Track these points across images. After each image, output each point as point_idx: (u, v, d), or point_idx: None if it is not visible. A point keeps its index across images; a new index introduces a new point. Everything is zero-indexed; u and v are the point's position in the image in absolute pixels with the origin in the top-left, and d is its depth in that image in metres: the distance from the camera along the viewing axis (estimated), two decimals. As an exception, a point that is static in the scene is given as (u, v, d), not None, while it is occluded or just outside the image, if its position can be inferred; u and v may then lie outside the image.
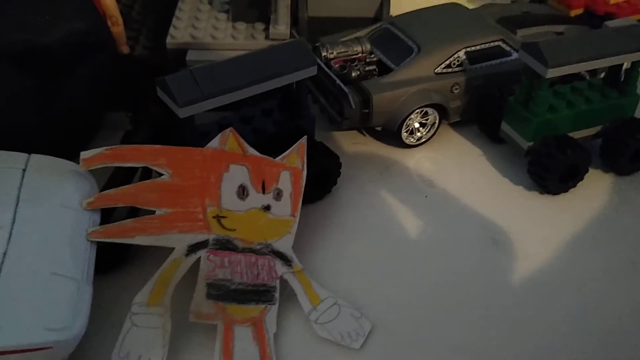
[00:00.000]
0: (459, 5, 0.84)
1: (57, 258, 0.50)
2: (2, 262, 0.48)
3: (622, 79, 0.73)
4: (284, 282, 0.58)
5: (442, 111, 0.76)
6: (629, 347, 0.56)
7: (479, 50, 0.77)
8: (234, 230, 0.58)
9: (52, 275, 0.49)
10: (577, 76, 0.77)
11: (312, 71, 0.64)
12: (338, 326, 0.56)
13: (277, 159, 0.62)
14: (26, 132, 0.61)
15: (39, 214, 0.52)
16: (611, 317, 0.59)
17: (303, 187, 0.62)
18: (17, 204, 0.52)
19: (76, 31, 0.62)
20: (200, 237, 0.56)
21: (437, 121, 0.76)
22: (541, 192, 0.72)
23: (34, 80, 0.60)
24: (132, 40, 0.87)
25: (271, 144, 0.63)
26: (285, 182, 0.61)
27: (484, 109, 0.77)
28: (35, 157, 0.57)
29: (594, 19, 0.90)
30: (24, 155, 0.56)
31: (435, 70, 0.75)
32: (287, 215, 0.61)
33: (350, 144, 0.78)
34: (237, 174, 0.59)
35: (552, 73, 0.66)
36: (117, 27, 0.72)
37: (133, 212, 0.58)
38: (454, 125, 0.80)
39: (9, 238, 0.50)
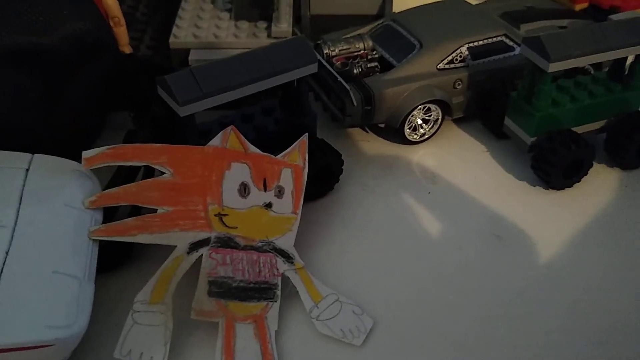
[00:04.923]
0: (462, 0, 0.84)
1: (59, 257, 0.50)
2: (5, 260, 0.49)
3: (626, 73, 0.72)
4: (285, 280, 0.58)
5: (445, 107, 0.76)
6: (634, 344, 0.56)
7: (482, 45, 0.76)
8: (236, 228, 0.58)
9: (54, 273, 0.49)
10: (581, 70, 0.77)
11: (313, 68, 0.64)
12: (340, 323, 0.56)
13: (279, 156, 0.62)
14: (29, 132, 0.61)
15: (42, 213, 0.53)
16: (616, 314, 0.58)
17: (304, 185, 0.63)
18: (19, 203, 0.53)
19: (78, 32, 0.63)
20: (202, 235, 0.56)
21: (440, 117, 0.76)
22: (545, 188, 0.71)
23: (36, 81, 0.61)
24: (136, 41, 0.88)
25: (272, 142, 0.63)
26: (286, 179, 0.61)
27: (487, 105, 0.76)
28: (38, 157, 0.57)
29: (598, 13, 0.90)
30: (27, 155, 0.57)
31: (438, 66, 0.75)
32: (288, 213, 0.61)
33: (353, 141, 0.78)
34: (238, 172, 0.59)
35: (554, 67, 0.65)
36: (119, 28, 0.72)
37: (135, 210, 0.59)
38: (457, 121, 0.80)
39: (12, 237, 0.50)
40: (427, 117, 0.76)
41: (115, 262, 0.60)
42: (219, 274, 0.55)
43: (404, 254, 0.64)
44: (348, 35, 0.79)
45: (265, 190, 0.60)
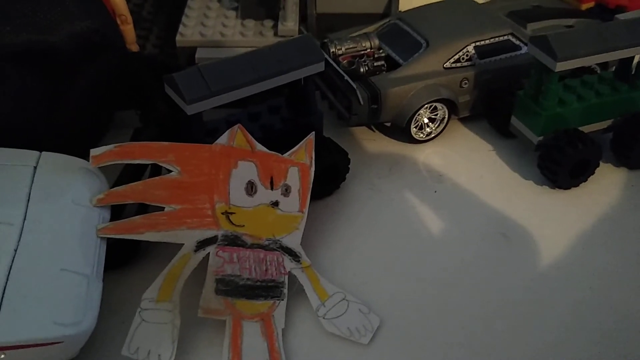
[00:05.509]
0: (469, -1, 0.84)
1: (67, 254, 0.51)
2: (13, 258, 0.49)
3: (633, 73, 0.72)
4: (292, 278, 0.58)
5: (452, 106, 0.76)
6: (638, 344, 0.56)
7: (488, 44, 0.76)
8: (243, 226, 0.58)
9: (62, 271, 0.49)
10: (588, 70, 0.77)
11: (320, 67, 0.64)
12: (346, 321, 0.56)
13: (285, 155, 0.62)
14: (35, 130, 0.61)
15: (50, 211, 0.53)
16: (621, 313, 0.58)
17: (311, 183, 0.63)
18: (28, 201, 0.53)
19: (85, 30, 0.63)
20: (209, 233, 0.57)
21: (446, 116, 0.76)
22: (551, 187, 0.71)
23: (43, 79, 0.61)
24: (142, 39, 0.88)
25: (279, 141, 0.63)
26: (293, 178, 0.62)
27: (494, 104, 0.76)
28: (46, 155, 0.57)
29: (605, 12, 0.89)
30: (35, 153, 0.57)
31: (444, 65, 0.75)
32: (295, 211, 0.61)
33: (359, 139, 0.78)
34: (245, 170, 0.59)
35: (561, 66, 0.65)
36: (127, 26, 0.73)
37: (142, 208, 0.59)
38: (464, 120, 0.80)
39: (20, 235, 0.50)
40: (433, 116, 0.76)
41: (123, 259, 0.60)
42: (226, 272, 0.56)
43: (410, 252, 0.64)
44: (354, 34, 0.79)
45: (272, 188, 0.60)
